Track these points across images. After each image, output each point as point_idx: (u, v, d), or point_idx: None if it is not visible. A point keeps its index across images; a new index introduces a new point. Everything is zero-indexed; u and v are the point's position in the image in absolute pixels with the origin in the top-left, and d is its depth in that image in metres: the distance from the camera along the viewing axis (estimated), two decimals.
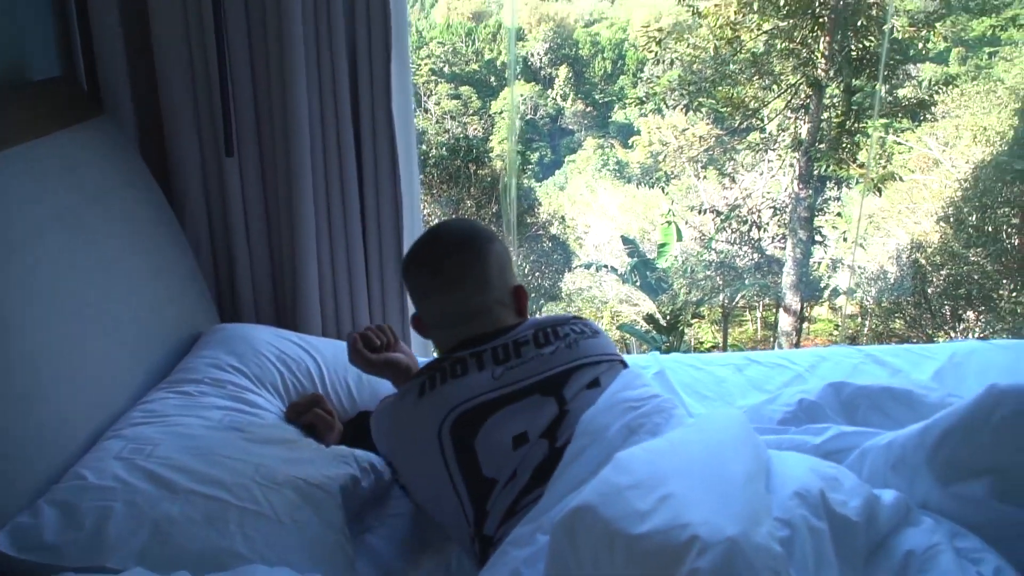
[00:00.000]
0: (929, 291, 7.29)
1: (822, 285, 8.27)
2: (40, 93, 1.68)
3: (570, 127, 12.51)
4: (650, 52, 7.49)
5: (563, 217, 9.16)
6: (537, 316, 1.48)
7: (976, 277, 6.92)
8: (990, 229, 6.90)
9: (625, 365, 1.31)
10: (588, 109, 12.62)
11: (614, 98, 12.44)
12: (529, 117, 12.22)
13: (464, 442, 1.12)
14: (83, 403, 1.36)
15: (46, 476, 1.20)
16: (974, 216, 6.95)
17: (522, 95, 12.09)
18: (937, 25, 6.75)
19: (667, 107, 7.94)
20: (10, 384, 1.18)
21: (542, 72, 12.67)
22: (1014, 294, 6.80)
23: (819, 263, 8.08)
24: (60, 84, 1.77)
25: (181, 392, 1.47)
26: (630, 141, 11.16)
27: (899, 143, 7.31)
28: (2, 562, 1.06)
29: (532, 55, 12.66)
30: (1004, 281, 6.82)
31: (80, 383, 1.36)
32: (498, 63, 12.36)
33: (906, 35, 6.78)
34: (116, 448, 1.25)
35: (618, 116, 12.17)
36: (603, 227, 9.73)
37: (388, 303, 2.11)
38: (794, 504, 0.90)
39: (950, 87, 6.88)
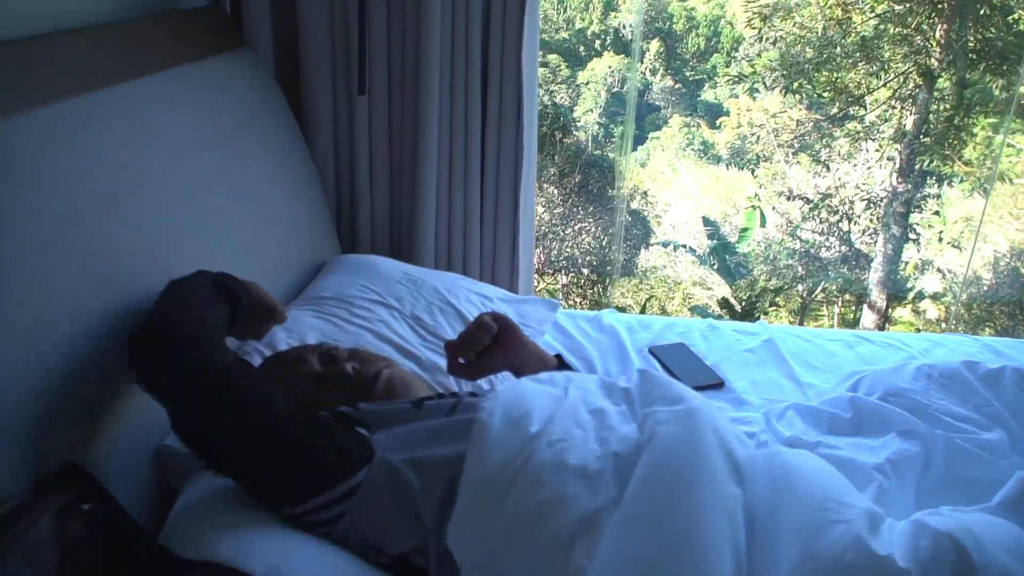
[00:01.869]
0: None
1: (908, 285, 8.07)
2: (190, 21, 1.79)
3: (657, 103, 12.38)
4: (753, 28, 7.33)
5: (645, 193, 9.11)
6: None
7: None
8: None
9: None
10: (677, 86, 12.46)
11: (705, 76, 12.26)
12: (616, 90, 12.12)
13: None
14: None
15: None
16: None
17: (610, 67, 11.99)
18: None
19: (765, 88, 7.79)
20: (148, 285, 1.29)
21: (633, 45, 12.53)
22: None
23: (907, 263, 7.87)
24: (208, 14, 1.88)
25: (317, 310, 1.58)
26: (718, 122, 11.01)
27: (1011, 145, 7.05)
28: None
29: (624, 27, 12.52)
30: None
31: None
32: (588, 33, 12.27)
33: None
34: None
35: (707, 95, 12.00)
36: (683, 207, 9.65)
37: (499, 247, 2.19)
38: None
39: None
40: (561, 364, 1.44)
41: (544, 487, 1.00)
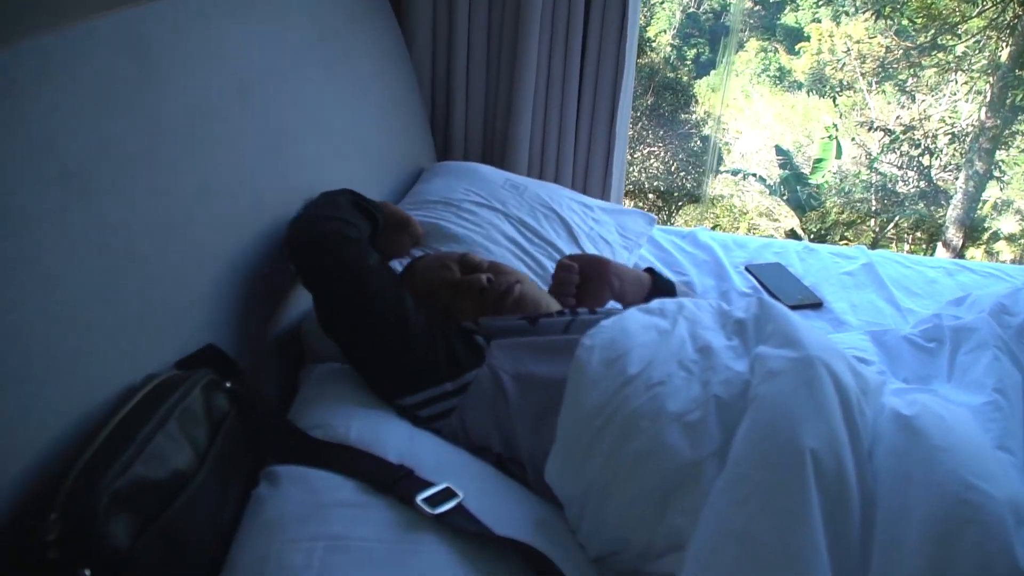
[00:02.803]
0: None
1: (985, 225, 7.80)
2: None
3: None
4: None
5: (718, 118, 8.89)
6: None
7: None
8: None
9: None
10: (755, 7, 11.98)
11: None
12: (692, 10, 11.71)
13: None
14: None
15: None
16: None
17: None
18: None
19: (855, 11, 7.45)
20: (285, 179, 1.32)
21: None
22: None
23: (985, 202, 7.59)
24: None
25: (426, 213, 1.61)
26: (797, 47, 10.59)
27: None
28: None
29: None
30: None
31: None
32: None
33: None
34: None
35: (788, 19, 11.52)
36: (755, 135, 9.40)
37: (593, 160, 2.17)
38: None
39: None
40: (654, 278, 1.45)
41: (640, 433, 0.96)
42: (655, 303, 1.21)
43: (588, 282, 1.37)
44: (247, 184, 1.25)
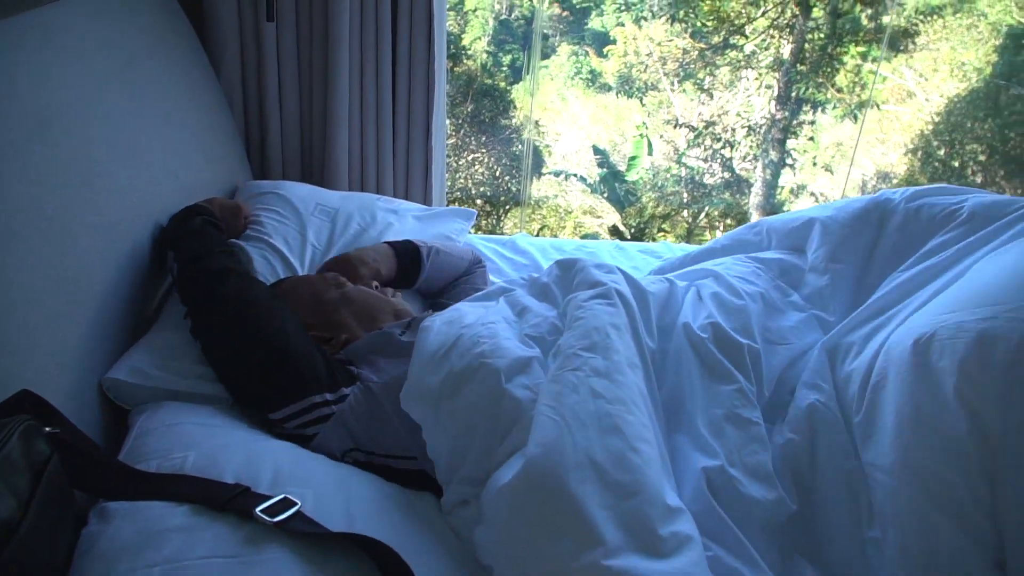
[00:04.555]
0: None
1: (785, 208, 8.53)
2: None
3: (544, 31, 12.37)
4: None
5: (537, 122, 9.20)
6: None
7: None
8: (956, 164, 7.20)
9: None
10: (564, 14, 12.48)
11: (591, 4, 12.31)
12: (504, 17, 12.04)
13: None
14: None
15: None
16: (942, 151, 7.23)
17: None
18: None
19: (652, 15, 7.95)
20: (99, 213, 1.32)
21: None
22: None
23: (783, 187, 8.31)
24: None
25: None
26: (605, 50, 11.14)
27: (876, 72, 7.49)
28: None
29: None
30: None
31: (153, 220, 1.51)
32: None
33: None
34: None
35: (595, 23, 12.08)
36: (573, 136, 9.80)
37: (413, 170, 2.25)
38: None
39: (933, 17, 7.04)
40: (391, 245, 1.72)
41: (480, 343, 1.19)
42: (479, 294, 1.45)
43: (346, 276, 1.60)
44: (56, 221, 1.22)
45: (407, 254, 1.70)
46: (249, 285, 1.37)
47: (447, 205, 2.31)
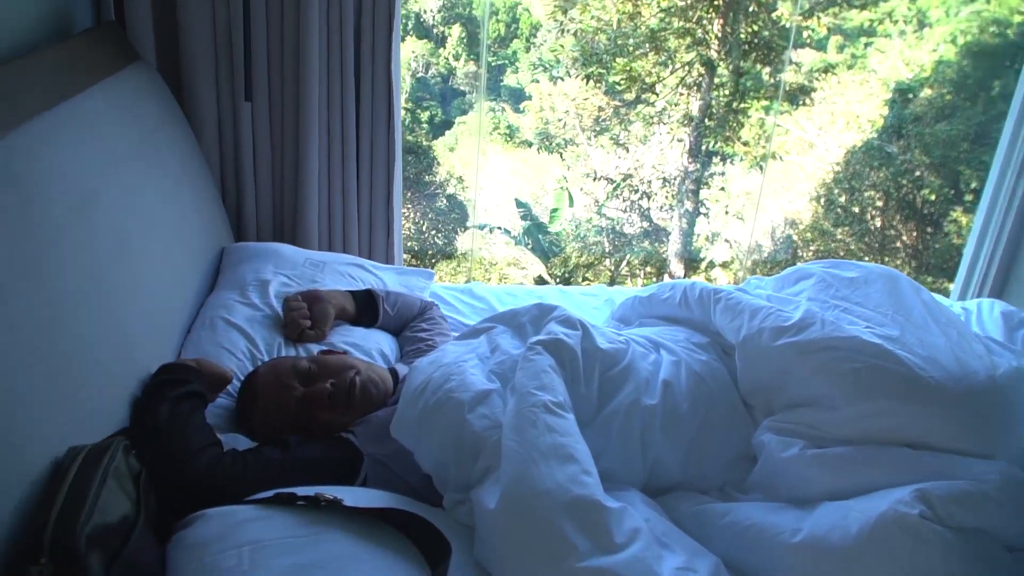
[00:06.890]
0: (800, 265, 8.22)
1: (701, 256, 9.08)
2: (88, 42, 1.90)
3: (462, 88, 12.86)
4: (555, 20, 7.99)
5: (460, 177, 9.59)
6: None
7: (842, 254, 7.91)
8: (856, 210, 7.90)
9: None
10: (480, 70, 13.01)
11: (506, 62, 12.89)
12: (420, 75, 12.49)
13: None
14: (172, 293, 1.77)
15: None
16: (843, 197, 7.92)
17: (413, 52, 12.30)
18: (820, 14, 7.61)
19: (569, 75, 8.49)
20: (125, 282, 1.54)
21: (435, 30, 12.94)
22: None
23: (699, 235, 8.88)
24: (103, 33, 2.03)
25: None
26: (521, 106, 11.67)
27: (779, 125, 8.17)
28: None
29: (425, 11, 12.88)
30: (866, 258, 7.82)
31: (168, 280, 1.75)
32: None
33: (792, 22, 7.60)
34: None
35: (510, 80, 12.64)
36: (495, 190, 10.22)
37: (375, 230, 2.55)
38: None
39: (828, 74, 7.78)
40: (353, 291, 1.98)
41: (451, 379, 1.46)
42: (468, 331, 1.74)
43: (312, 307, 1.86)
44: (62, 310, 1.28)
45: (361, 294, 1.97)
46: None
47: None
